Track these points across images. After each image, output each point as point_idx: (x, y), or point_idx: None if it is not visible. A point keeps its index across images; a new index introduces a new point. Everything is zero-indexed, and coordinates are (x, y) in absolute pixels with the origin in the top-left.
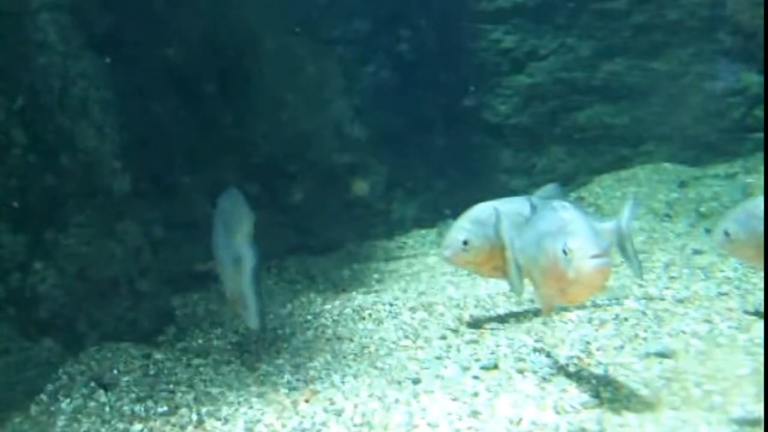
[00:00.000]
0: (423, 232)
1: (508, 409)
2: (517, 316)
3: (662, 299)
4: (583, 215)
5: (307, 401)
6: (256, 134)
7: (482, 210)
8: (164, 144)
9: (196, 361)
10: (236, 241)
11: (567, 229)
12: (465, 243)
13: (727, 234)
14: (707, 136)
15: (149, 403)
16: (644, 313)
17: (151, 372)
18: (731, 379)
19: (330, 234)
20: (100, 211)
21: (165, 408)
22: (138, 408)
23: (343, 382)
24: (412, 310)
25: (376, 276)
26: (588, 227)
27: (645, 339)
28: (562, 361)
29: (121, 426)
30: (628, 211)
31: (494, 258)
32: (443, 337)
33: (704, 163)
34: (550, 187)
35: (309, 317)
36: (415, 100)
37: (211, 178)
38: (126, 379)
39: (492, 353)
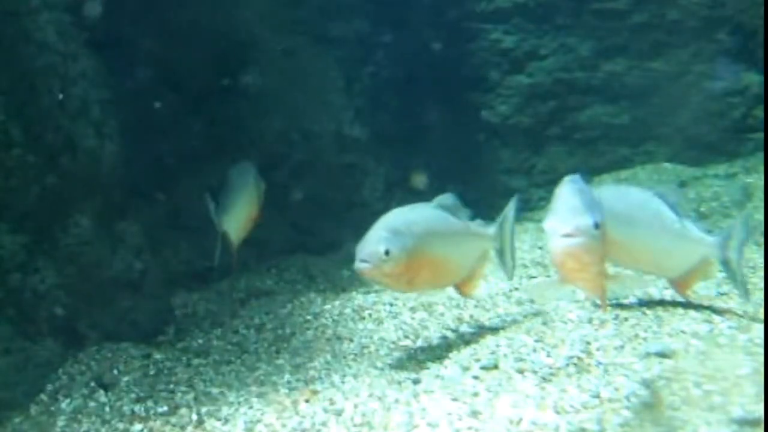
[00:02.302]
0: None
1: (508, 409)
2: (516, 316)
3: (662, 299)
4: (575, 191)
5: (307, 401)
6: (255, 134)
7: (395, 218)
8: (164, 144)
9: (196, 361)
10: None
11: (552, 207)
12: (387, 253)
13: None
14: (707, 136)
15: (149, 403)
16: (644, 313)
17: (151, 372)
18: (731, 379)
19: (330, 234)
20: (100, 211)
21: (165, 408)
22: (138, 408)
23: (343, 382)
24: (412, 310)
25: None
26: (570, 204)
27: (645, 339)
28: (562, 361)
29: (121, 426)
30: (509, 212)
31: (410, 270)
32: (443, 337)
33: (704, 163)
34: (446, 196)
35: (309, 317)
36: (415, 100)
37: (211, 178)
38: (126, 379)
39: (492, 353)
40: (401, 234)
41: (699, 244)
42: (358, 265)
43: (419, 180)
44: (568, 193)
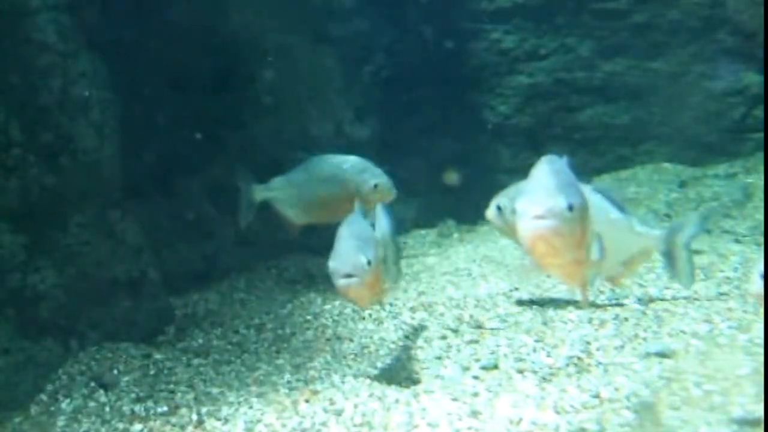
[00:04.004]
0: (423, 232)
1: (508, 409)
2: (516, 316)
3: (662, 299)
4: (551, 171)
5: (307, 401)
6: (256, 134)
7: (353, 229)
8: (164, 144)
9: (196, 361)
10: None
11: (525, 187)
12: (369, 264)
13: (499, 209)
14: (707, 136)
15: (149, 403)
16: (644, 313)
17: (151, 372)
18: (731, 379)
19: (330, 234)
20: (100, 211)
21: (165, 408)
22: (138, 408)
23: (343, 382)
24: (412, 310)
25: None
26: (544, 184)
27: (645, 339)
28: (562, 361)
29: (121, 426)
30: (382, 221)
31: (377, 279)
32: (443, 337)
33: (704, 163)
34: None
35: (309, 317)
36: (415, 100)
37: (211, 178)
38: (126, 379)
39: (492, 353)
40: (368, 242)
41: (641, 236)
42: (345, 281)
43: (452, 177)
44: (542, 173)
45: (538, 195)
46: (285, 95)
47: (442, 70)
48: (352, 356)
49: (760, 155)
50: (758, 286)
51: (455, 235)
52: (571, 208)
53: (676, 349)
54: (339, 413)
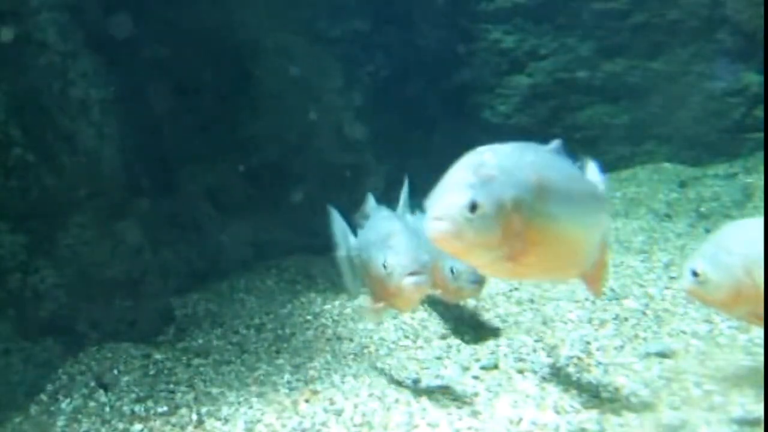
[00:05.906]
0: None
1: (508, 409)
2: (516, 316)
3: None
4: (468, 166)
5: (307, 401)
6: (255, 134)
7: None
8: (164, 144)
9: (196, 361)
10: None
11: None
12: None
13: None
14: (707, 136)
15: (149, 403)
16: (644, 313)
17: (151, 372)
18: (731, 379)
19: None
20: (100, 211)
21: (165, 408)
22: (138, 408)
23: (343, 382)
24: (412, 310)
25: None
26: (452, 180)
27: (645, 339)
28: (562, 361)
29: (121, 426)
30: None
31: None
32: (443, 337)
33: (704, 163)
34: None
35: (309, 317)
36: (415, 100)
37: (211, 178)
38: (126, 379)
39: (492, 353)
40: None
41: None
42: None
43: None
44: (459, 166)
45: (442, 192)
46: (285, 95)
47: (441, 69)
48: (352, 356)
49: (760, 155)
50: (688, 281)
51: None
52: (473, 207)
53: (676, 349)
54: (339, 413)
